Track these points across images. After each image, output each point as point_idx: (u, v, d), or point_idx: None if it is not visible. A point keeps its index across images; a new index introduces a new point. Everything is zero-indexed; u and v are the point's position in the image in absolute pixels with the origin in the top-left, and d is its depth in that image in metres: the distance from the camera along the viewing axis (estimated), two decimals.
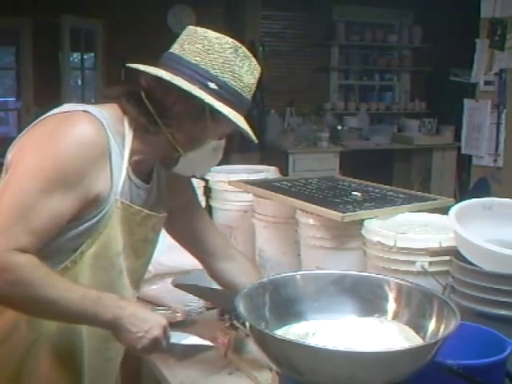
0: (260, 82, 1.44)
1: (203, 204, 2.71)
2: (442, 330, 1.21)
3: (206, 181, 2.76)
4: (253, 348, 1.69)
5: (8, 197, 1.22)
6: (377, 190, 2.33)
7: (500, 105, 4.28)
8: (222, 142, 1.47)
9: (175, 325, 2.08)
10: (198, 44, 1.34)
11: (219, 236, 1.73)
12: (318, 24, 7.44)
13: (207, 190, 2.75)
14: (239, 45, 1.37)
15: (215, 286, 1.85)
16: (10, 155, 1.32)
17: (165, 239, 2.25)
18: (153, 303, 2.23)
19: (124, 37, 6.13)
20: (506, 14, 4.17)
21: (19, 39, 6.19)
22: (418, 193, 2.39)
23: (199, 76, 1.33)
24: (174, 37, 1.40)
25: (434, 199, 2.23)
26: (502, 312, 1.50)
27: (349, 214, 1.94)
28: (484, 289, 1.52)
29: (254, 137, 1.40)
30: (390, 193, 2.29)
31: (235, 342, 1.78)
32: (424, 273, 1.73)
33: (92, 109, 1.31)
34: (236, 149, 6.85)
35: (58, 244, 1.30)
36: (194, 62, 1.33)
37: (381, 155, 7.19)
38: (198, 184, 2.73)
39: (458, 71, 6.87)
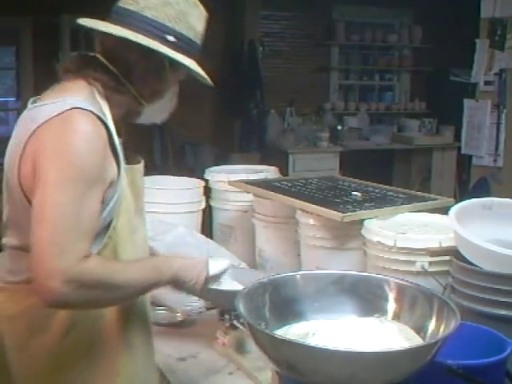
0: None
1: (203, 204, 2.72)
2: (441, 329, 1.21)
3: (206, 181, 2.76)
4: (253, 348, 1.69)
5: (50, 216, 1.26)
6: (377, 190, 2.33)
7: (500, 105, 4.28)
8: (177, 88, 1.52)
9: (175, 325, 2.09)
10: None
11: None
12: (318, 24, 7.43)
13: (207, 190, 2.74)
14: None
15: (214, 285, 1.85)
16: (15, 162, 1.35)
17: (165, 238, 2.25)
18: (153, 303, 2.23)
19: None
20: (506, 13, 4.17)
21: (19, 39, 6.18)
22: (418, 193, 2.39)
23: (158, 31, 1.37)
24: None
25: (434, 199, 2.23)
26: (502, 312, 1.50)
27: (349, 213, 1.95)
28: (484, 289, 1.52)
29: (209, 81, 1.46)
30: (390, 193, 2.29)
31: (235, 342, 1.78)
32: (424, 273, 1.74)
33: (75, 101, 1.32)
34: (236, 149, 6.86)
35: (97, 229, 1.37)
36: (150, 16, 1.37)
37: (381, 155, 7.19)
38: (198, 184, 2.73)
39: (458, 71, 6.87)
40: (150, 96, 1.45)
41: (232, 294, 1.55)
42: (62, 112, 1.31)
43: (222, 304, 1.76)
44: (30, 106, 1.41)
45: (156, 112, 1.53)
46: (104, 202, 1.35)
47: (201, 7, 1.45)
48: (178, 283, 1.45)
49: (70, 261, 1.24)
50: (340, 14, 7.55)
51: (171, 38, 1.38)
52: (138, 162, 1.55)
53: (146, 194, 2.34)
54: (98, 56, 1.40)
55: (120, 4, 1.42)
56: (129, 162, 1.49)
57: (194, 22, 1.42)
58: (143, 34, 1.36)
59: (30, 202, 1.31)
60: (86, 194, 1.28)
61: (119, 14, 1.40)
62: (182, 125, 6.71)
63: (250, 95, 6.75)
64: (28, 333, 1.40)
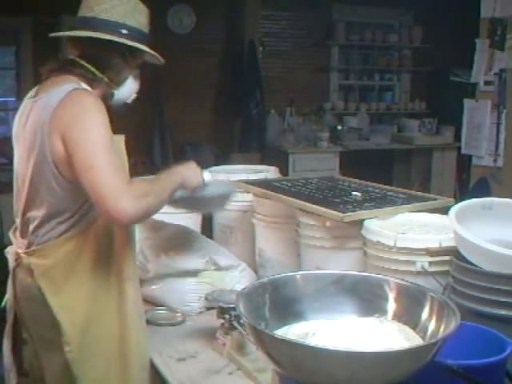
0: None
1: None
2: (441, 329, 1.20)
3: None
4: (253, 348, 1.69)
5: (94, 163, 1.60)
6: (377, 190, 2.33)
7: (500, 105, 4.28)
8: (137, 72, 1.91)
9: (175, 325, 2.09)
10: (103, 4, 1.77)
11: None
12: (318, 24, 7.43)
13: None
14: None
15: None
16: (43, 143, 1.66)
17: (165, 238, 2.25)
18: (153, 303, 2.23)
19: None
20: (506, 14, 4.17)
21: (19, 39, 6.18)
22: (418, 193, 2.39)
23: (113, 27, 1.76)
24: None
25: (434, 199, 2.23)
26: (502, 312, 1.50)
27: (349, 213, 1.95)
28: (484, 289, 1.52)
29: (161, 58, 1.86)
30: (390, 193, 2.29)
31: (235, 343, 1.78)
32: (424, 273, 1.74)
33: (71, 86, 1.70)
34: (236, 149, 6.86)
35: None
36: (105, 18, 1.76)
37: (381, 155, 7.19)
38: None
39: (458, 71, 6.87)
40: (117, 80, 1.84)
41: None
42: (67, 93, 1.66)
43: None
44: (29, 100, 1.77)
45: (124, 93, 1.89)
46: None
47: (140, 4, 1.84)
48: (185, 183, 1.86)
49: (123, 184, 1.59)
50: (340, 14, 7.55)
51: (124, 31, 1.77)
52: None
53: None
54: (76, 58, 1.78)
55: (80, 15, 1.81)
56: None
57: (139, 16, 1.81)
58: (102, 32, 1.74)
59: (59, 171, 1.66)
60: (110, 143, 1.64)
61: (82, 21, 1.79)
62: (182, 125, 6.72)
63: (250, 95, 6.75)
64: (62, 279, 1.72)
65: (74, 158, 1.61)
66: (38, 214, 1.73)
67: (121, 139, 1.85)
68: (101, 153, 1.61)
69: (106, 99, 1.83)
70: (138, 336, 1.81)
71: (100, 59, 1.77)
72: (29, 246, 1.76)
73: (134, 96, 1.93)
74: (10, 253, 1.82)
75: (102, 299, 1.76)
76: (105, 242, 1.75)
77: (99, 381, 1.76)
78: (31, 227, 1.75)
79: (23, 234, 1.79)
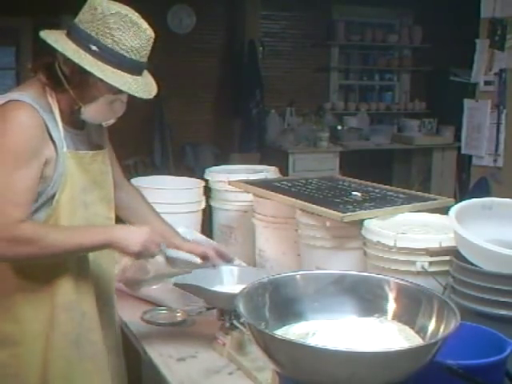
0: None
1: (203, 204, 2.72)
2: (441, 329, 1.20)
3: (206, 181, 2.76)
4: (253, 348, 1.69)
5: None
6: (377, 190, 2.33)
7: (500, 105, 4.27)
8: (122, 97, 1.70)
9: (175, 325, 2.09)
10: (87, 13, 1.63)
11: (118, 168, 2.02)
12: (318, 24, 7.43)
13: (207, 190, 2.74)
14: (126, 13, 1.61)
15: (216, 287, 1.85)
16: None
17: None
18: (153, 303, 2.23)
19: None
20: (506, 14, 4.17)
21: (19, 39, 6.19)
22: (418, 193, 2.39)
23: (84, 40, 1.61)
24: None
25: (434, 199, 2.23)
26: (502, 312, 1.50)
27: (349, 213, 1.95)
28: (484, 289, 1.52)
29: (125, 89, 1.62)
30: (390, 193, 2.29)
31: (235, 342, 1.78)
32: (424, 273, 1.74)
33: (17, 95, 1.62)
34: (236, 149, 6.86)
35: (41, 199, 1.65)
36: (82, 28, 1.62)
37: (381, 155, 7.19)
38: (198, 184, 2.73)
39: (458, 71, 6.87)
40: (82, 96, 1.66)
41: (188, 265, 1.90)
42: (2, 104, 1.60)
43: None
44: None
45: (94, 114, 1.71)
46: (43, 177, 1.63)
47: (141, 25, 1.63)
48: (113, 244, 1.68)
49: (3, 224, 1.55)
50: (340, 14, 7.56)
51: (94, 48, 1.59)
52: (100, 149, 1.83)
53: (145, 194, 2.35)
54: (56, 62, 1.66)
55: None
56: (91, 148, 1.79)
57: (124, 36, 1.60)
58: (74, 42, 1.61)
59: None
60: (17, 172, 1.57)
61: (69, 26, 1.67)
62: (182, 125, 6.72)
63: (250, 95, 6.75)
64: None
65: None
66: None
67: (83, 155, 1.74)
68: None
69: (74, 113, 1.70)
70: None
71: (64, 70, 1.65)
72: None
73: (111, 121, 1.77)
74: None
75: None
76: None
77: None
78: None
79: None
